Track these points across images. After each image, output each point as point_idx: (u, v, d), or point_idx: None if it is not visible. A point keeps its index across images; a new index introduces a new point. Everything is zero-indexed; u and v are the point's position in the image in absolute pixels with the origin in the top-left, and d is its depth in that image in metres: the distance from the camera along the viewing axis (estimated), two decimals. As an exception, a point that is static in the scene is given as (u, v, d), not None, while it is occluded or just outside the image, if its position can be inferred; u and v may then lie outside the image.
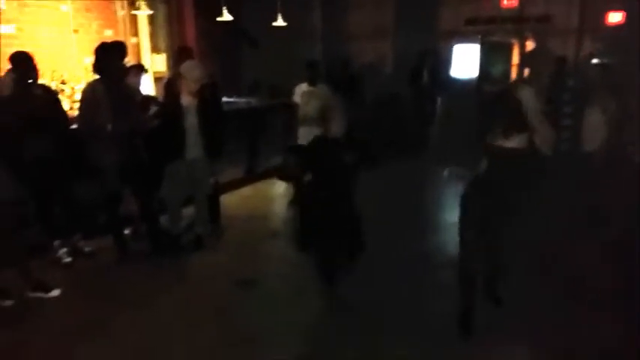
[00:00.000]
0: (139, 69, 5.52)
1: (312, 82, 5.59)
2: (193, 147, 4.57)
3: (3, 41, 5.88)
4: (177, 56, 5.26)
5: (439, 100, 9.46)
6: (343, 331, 3.48)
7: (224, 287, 4.14)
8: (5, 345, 3.33)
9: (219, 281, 4.25)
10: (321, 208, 4.03)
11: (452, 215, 6.18)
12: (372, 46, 10.09)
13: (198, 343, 3.37)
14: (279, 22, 8.60)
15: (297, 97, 5.66)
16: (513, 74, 9.78)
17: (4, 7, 6.03)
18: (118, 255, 4.60)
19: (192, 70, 4.49)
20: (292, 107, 5.76)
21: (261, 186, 7.03)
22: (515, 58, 9.66)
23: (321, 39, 9.94)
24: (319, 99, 5.16)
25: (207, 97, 4.64)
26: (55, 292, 3.93)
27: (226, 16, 7.82)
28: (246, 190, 6.82)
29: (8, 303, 3.78)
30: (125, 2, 7.52)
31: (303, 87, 5.60)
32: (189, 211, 5.08)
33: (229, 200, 6.12)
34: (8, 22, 6.11)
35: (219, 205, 5.42)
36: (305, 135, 5.13)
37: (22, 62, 4.09)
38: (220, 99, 5.50)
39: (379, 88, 8.77)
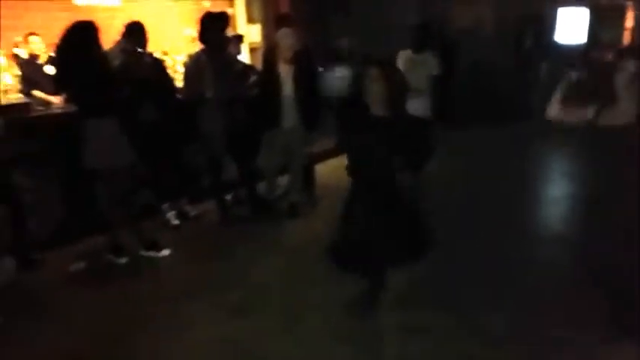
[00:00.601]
0: (238, 39, 5.63)
1: (417, 49, 5.21)
2: (290, 116, 4.62)
3: (109, 14, 6.24)
4: (276, 24, 5.26)
5: (543, 66, 8.89)
6: (438, 302, 3.41)
7: (319, 253, 4.19)
8: (120, 298, 3.61)
9: (315, 247, 4.31)
10: (360, 211, 3.16)
11: (555, 188, 5.91)
12: (471, 10, 9.56)
13: (295, 304, 3.46)
14: (373, -13, 8.41)
15: (400, 65, 5.42)
16: (626, 40, 8.99)
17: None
18: (220, 218, 4.82)
19: (285, 38, 4.51)
20: None
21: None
22: (630, 22, 8.85)
23: (416, 4, 9.57)
24: (425, 67, 5.01)
25: (303, 65, 4.64)
26: (166, 252, 4.18)
27: (319, -16, 7.75)
28: (338, 161, 6.82)
29: (123, 260, 4.08)
30: (222, -27, 7.66)
31: (407, 53, 5.24)
32: (285, 179, 5.17)
33: (322, 170, 6.16)
34: (115, -5, 6.46)
35: (313, 175, 5.47)
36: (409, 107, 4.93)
37: (135, 31, 4.33)
38: (316, 68, 5.48)
39: (478, 54, 8.36)
